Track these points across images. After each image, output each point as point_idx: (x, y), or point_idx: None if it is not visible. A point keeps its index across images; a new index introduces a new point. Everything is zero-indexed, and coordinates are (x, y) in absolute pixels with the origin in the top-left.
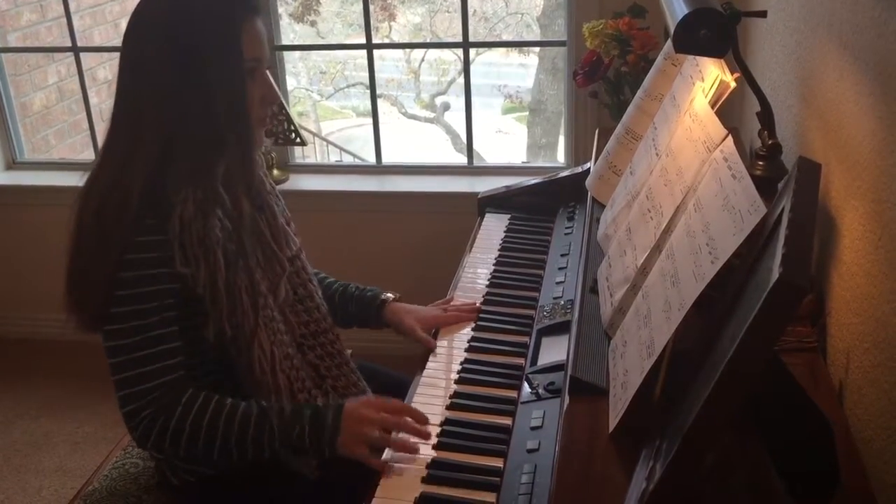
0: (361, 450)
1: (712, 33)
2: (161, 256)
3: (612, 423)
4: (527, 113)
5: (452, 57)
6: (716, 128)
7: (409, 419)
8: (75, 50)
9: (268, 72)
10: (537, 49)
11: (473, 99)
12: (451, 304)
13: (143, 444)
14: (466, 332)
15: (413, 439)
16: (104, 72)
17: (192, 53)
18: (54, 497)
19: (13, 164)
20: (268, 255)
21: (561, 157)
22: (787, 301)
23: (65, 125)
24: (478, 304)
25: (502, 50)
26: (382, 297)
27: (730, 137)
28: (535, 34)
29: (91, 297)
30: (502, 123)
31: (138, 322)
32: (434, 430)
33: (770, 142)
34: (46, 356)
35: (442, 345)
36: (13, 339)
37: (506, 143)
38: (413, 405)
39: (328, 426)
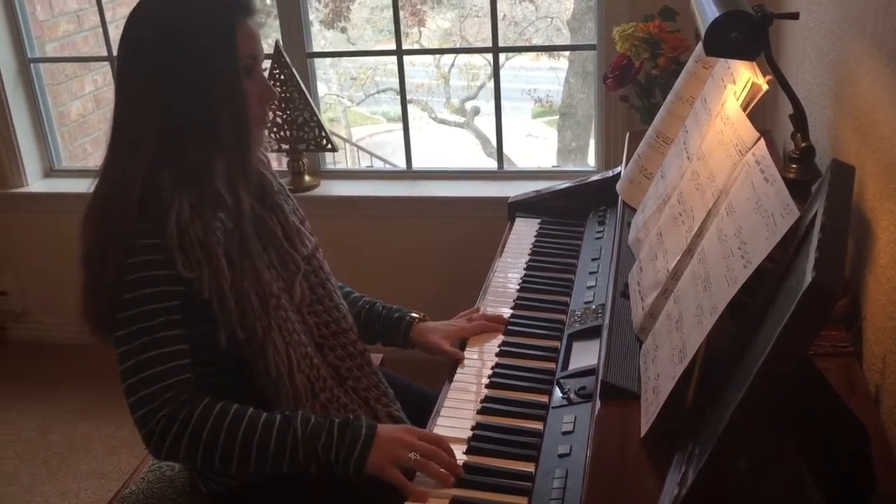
0: (392, 470)
1: (744, 36)
2: (161, 259)
3: (644, 427)
4: (557, 117)
5: (482, 62)
6: (748, 131)
7: (444, 453)
8: (111, 59)
9: (297, 76)
10: (567, 53)
11: (503, 103)
12: (478, 313)
13: (157, 453)
14: (497, 336)
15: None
16: None
17: (186, 53)
18: (92, 500)
19: (51, 172)
20: (281, 255)
21: (591, 160)
22: (820, 305)
23: (101, 133)
24: (505, 317)
25: (532, 54)
26: (408, 318)
27: (762, 140)
28: (564, 38)
29: (99, 303)
30: (532, 127)
31: (143, 324)
32: (465, 434)
33: (803, 144)
34: (84, 361)
35: (472, 349)
36: (51, 343)
37: (536, 147)
38: (444, 409)
39: (360, 441)
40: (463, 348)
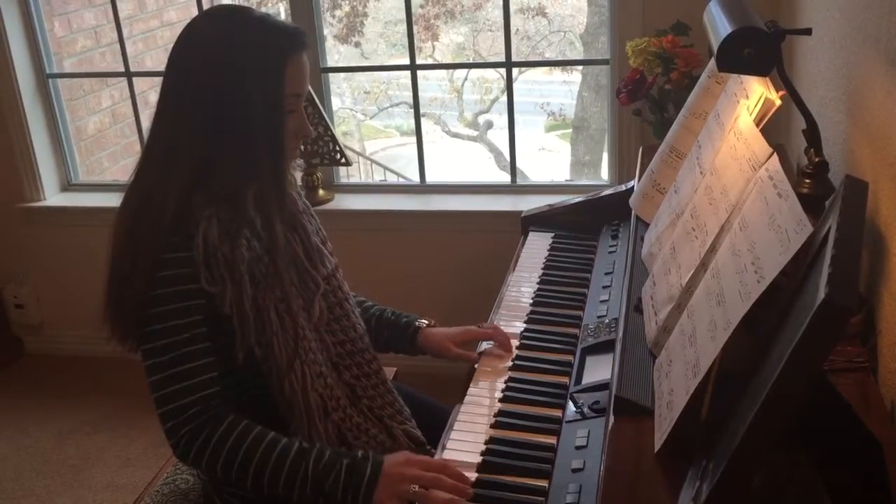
0: None
1: (756, 52)
2: (188, 273)
3: (658, 442)
4: (570, 130)
5: (495, 75)
6: (761, 146)
7: (446, 478)
8: (128, 75)
9: (311, 91)
10: (580, 66)
11: (516, 117)
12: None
13: (183, 460)
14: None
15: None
16: (156, 96)
17: (233, 86)
18: None
19: (68, 186)
20: (302, 274)
21: (605, 174)
22: (834, 321)
23: (118, 148)
24: (513, 345)
25: (545, 68)
26: (416, 323)
27: (775, 155)
28: (577, 52)
29: (126, 315)
30: (545, 141)
31: (171, 339)
32: (479, 449)
33: (816, 159)
34: (99, 374)
35: (485, 361)
36: (67, 356)
37: (549, 160)
38: (457, 423)
39: (365, 480)
40: (472, 371)
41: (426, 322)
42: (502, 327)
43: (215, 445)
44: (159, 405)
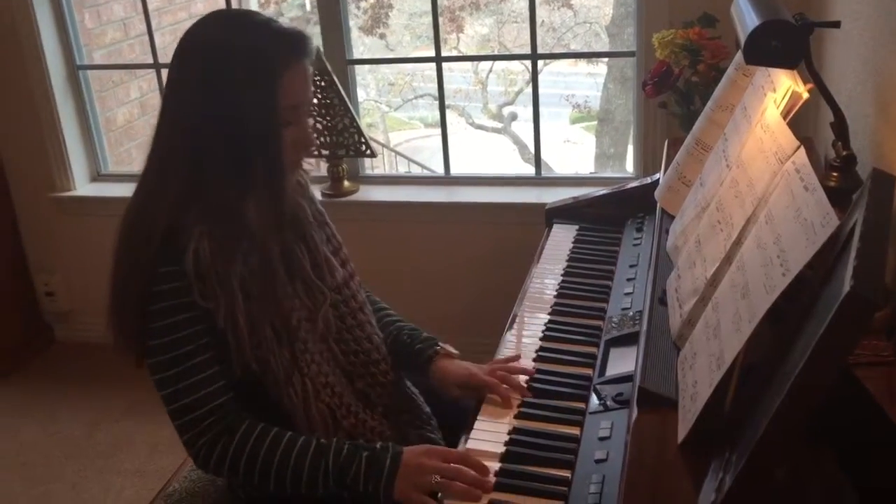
0: (418, 496)
1: (783, 44)
2: (183, 286)
3: (681, 434)
4: (595, 122)
5: (520, 67)
6: (787, 139)
7: (467, 469)
8: (157, 66)
9: (337, 82)
10: (606, 58)
11: (541, 109)
12: (509, 364)
13: (205, 469)
14: (533, 342)
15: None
16: None
17: (228, 93)
18: (135, 498)
19: (98, 177)
20: (308, 286)
21: (630, 167)
22: (859, 314)
23: (146, 138)
24: (532, 369)
25: (570, 60)
26: (430, 351)
27: (802, 148)
28: (603, 43)
29: (127, 328)
30: (570, 133)
31: (173, 353)
32: (502, 439)
33: (844, 153)
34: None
35: (510, 353)
36: (96, 344)
37: (574, 152)
38: (481, 414)
39: (385, 472)
40: (479, 406)
41: (439, 349)
42: (528, 319)
43: (234, 453)
44: (173, 418)
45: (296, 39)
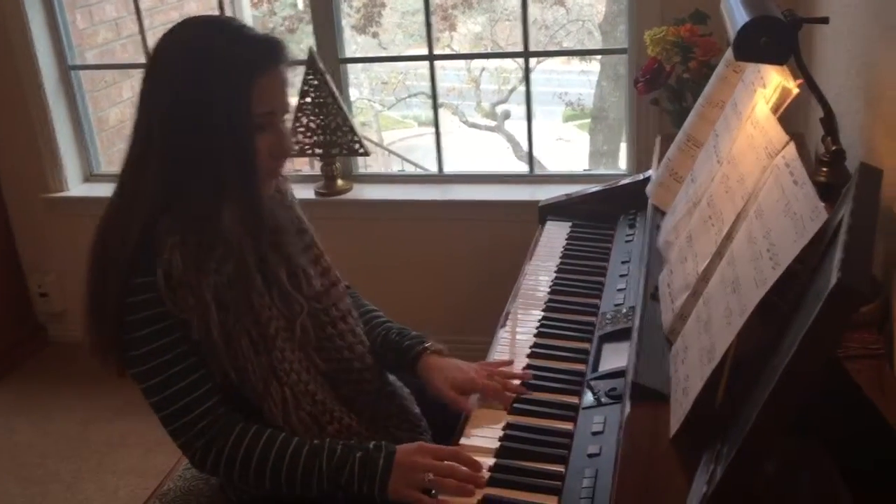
0: (412, 493)
1: (772, 41)
2: (156, 297)
3: (674, 427)
4: (588, 120)
5: (513, 65)
6: (777, 134)
7: (460, 466)
8: None
9: (329, 81)
10: (599, 56)
11: (534, 107)
12: (499, 369)
13: (201, 470)
14: (527, 338)
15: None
16: None
17: (199, 101)
18: (130, 497)
19: (90, 177)
20: (284, 295)
21: (623, 164)
22: (846, 305)
23: None
24: (526, 376)
25: (564, 58)
26: (418, 348)
27: (791, 144)
28: (596, 41)
29: (105, 340)
30: (564, 131)
31: (158, 361)
32: (497, 434)
33: (833, 148)
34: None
35: (504, 350)
36: None
37: (567, 150)
38: (476, 408)
39: (379, 472)
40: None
41: (428, 346)
42: (521, 316)
43: (229, 454)
44: (166, 424)
45: (270, 46)
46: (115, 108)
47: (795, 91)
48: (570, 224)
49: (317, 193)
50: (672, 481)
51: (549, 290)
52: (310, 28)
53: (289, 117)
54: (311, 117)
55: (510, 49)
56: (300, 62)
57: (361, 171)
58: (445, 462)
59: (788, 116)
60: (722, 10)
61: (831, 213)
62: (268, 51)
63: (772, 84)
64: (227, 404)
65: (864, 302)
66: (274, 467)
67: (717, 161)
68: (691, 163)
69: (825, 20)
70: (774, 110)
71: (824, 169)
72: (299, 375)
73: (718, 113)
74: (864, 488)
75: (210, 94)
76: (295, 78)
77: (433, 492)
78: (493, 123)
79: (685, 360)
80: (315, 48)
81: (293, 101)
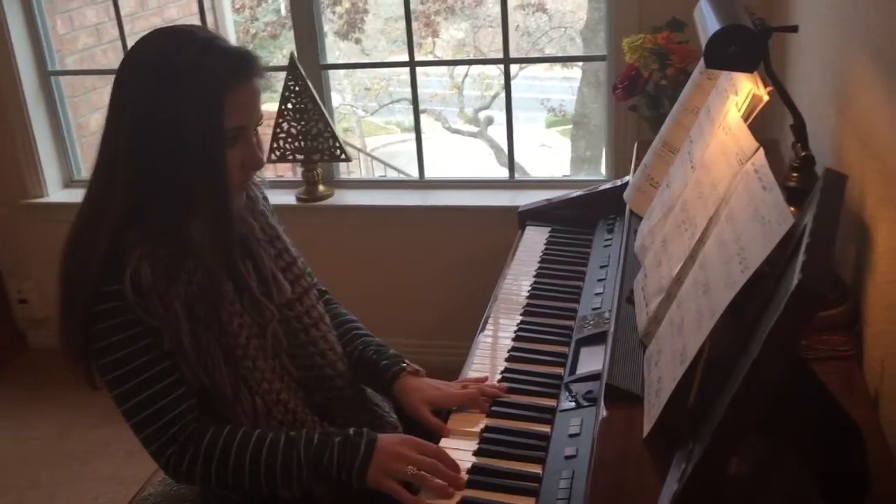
0: (390, 483)
1: (742, 49)
2: (124, 305)
3: (647, 428)
4: (570, 126)
5: (496, 71)
6: (748, 141)
7: (443, 466)
8: None
9: (311, 87)
10: (581, 62)
11: (517, 113)
12: (481, 385)
13: (176, 478)
14: (506, 342)
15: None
16: None
17: (168, 115)
18: (111, 503)
19: (70, 183)
20: (255, 303)
21: (604, 169)
22: (807, 306)
23: None
24: (503, 387)
25: (546, 64)
26: (395, 369)
27: (761, 150)
28: (578, 47)
29: (75, 348)
30: (546, 137)
31: (128, 367)
32: (475, 437)
33: (803, 154)
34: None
35: (484, 354)
36: None
37: (550, 156)
38: (454, 411)
39: (359, 456)
40: (447, 417)
41: (405, 366)
42: (501, 321)
43: (204, 457)
44: (137, 431)
45: (241, 59)
46: (96, 113)
47: (766, 98)
48: (549, 229)
49: (298, 199)
50: (646, 481)
51: (528, 294)
52: (291, 33)
53: (261, 129)
54: (293, 123)
55: (493, 55)
56: (281, 68)
57: (343, 176)
58: (430, 459)
59: (764, 122)
60: (695, 18)
61: (798, 217)
62: (239, 64)
63: (743, 91)
64: (199, 409)
65: (824, 303)
66: (252, 461)
67: (692, 166)
68: (667, 168)
69: (794, 28)
70: (746, 117)
71: (795, 174)
72: (271, 384)
73: (693, 119)
74: (834, 489)
75: (179, 109)
76: (276, 83)
77: (414, 486)
78: (475, 129)
79: (658, 363)
80: (296, 54)
81: (273, 107)
